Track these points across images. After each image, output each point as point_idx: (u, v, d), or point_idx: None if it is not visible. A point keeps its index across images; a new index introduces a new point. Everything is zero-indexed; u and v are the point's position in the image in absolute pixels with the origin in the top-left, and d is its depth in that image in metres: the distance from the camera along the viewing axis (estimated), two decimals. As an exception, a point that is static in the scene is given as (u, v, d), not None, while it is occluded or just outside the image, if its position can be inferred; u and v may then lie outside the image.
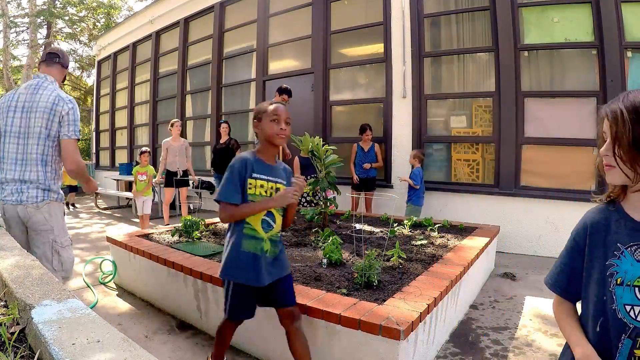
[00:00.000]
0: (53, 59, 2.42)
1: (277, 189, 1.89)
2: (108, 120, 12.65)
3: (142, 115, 11.00)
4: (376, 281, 2.46)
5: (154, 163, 8.55)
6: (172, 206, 8.13)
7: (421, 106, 5.66)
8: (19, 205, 2.20)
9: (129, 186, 9.21)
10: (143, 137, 10.93)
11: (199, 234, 3.87)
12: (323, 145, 4.09)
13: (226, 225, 4.51)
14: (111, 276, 3.81)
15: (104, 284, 3.75)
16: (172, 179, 6.40)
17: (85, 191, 4.94)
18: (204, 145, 9.01)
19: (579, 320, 1.07)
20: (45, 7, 17.24)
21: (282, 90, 5.79)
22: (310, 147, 4.03)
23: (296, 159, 5.71)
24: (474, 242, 3.56)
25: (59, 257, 2.29)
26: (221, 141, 6.70)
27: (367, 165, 5.62)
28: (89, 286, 3.61)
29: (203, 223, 4.13)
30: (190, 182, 6.78)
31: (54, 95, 2.26)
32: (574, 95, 4.75)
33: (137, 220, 7.40)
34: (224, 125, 6.68)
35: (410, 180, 5.13)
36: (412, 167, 5.29)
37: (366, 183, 5.66)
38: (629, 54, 4.44)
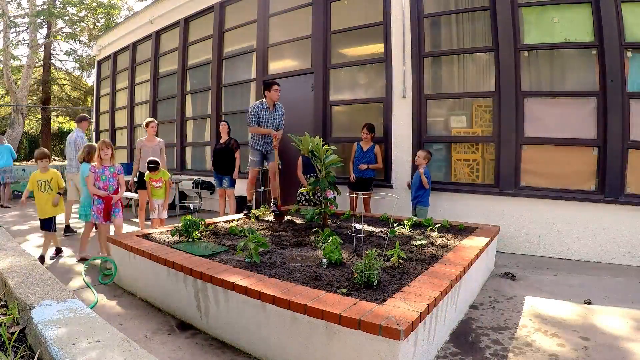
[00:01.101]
0: (78, 121, 6.27)
1: None
2: (108, 120, 12.66)
3: (142, 115, 10.99)
4: (376, 281, 2.46)
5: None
6: (172, 206, 8.12)
7: (421, 106, 5.66)
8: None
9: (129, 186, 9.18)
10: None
11: (199, 234, 3.87)
12: (323, 145, 4.09)
13: (226, 225, 4.52)
14: (111, 276, 3.80)
15: (104, 283, 3.75)
16: (144, 181, 5.71)
17: None
18: (204, 145, 9.02)
19: None
20: (45, 7, 17.23)
21: (268, 85, 5.40)
22: (310, 147, 4.03)
23: (300, 158, 5.73)
24: (474, 242, 3.56)
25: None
26: (221, 141, 6.70)
27: (362, 166, 5.62)
28: (89, 286, 3.60)
29: (203, 223, 4.13)
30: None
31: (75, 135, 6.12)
32: (574, 95, 4.75)
33: (137, 220, 7.38)
34: (222, 124, 6.68)
35: (425, 179, 5.07)
36: (418, 166, 5.22)
37: (362, 183, 5.65)
38: (629, 54, 4.44)
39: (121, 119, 12.04)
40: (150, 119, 6.39)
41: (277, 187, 5.43)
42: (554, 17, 4.83)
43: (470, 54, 5.40)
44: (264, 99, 5.42)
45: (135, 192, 6.24)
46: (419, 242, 3.57)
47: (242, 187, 7.07)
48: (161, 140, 6.31)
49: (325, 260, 2.94)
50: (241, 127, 7.91)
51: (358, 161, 5.69)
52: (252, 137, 5.55)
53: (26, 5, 17.66)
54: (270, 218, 4.96)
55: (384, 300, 2.20)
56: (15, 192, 10.09)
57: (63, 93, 22.17)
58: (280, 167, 5.72)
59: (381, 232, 4.07)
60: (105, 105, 13.08)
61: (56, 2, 18.22)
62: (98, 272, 3.91)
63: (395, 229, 4.12)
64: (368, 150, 5.68)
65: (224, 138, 6.66)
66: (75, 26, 18.85)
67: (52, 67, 20.64)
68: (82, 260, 4.45)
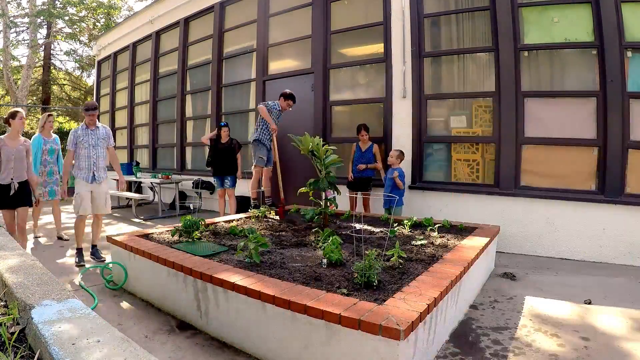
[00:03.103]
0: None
1: None
2: (108, 120, 12.64)
3: (142, 115, 10.99)
4: (376, 281, 2.46)
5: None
6: (172, 206, 8.12)
7: (421, 106, 5.66)
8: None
9: (129, 186, 9.19)
10: (143, 137, 10.93)
11: (199, 234, 3.86)
12: (323, 145, 4.09)
13: (226, 225, 4.53)
14: (114, 281, 3.75)
15: (113, 289, 3.61)
16: (6, 197, 4.17)
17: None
18: (204, 145, 9.01)
19: None
20: (45, 7, 17.24)
21: (287, 96, 6.17)
22: (310, 147, 4.03)
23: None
24: (474, 242, 3.56)
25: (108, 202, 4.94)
26: (222, 141, 6.73)
27: (361, 167, 5.63)
28: (86, 289, 3.55)
29: (203, 223, 4.12)
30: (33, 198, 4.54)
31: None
32: (574, 95, 4.75)
33: (137, 220, 7.38)
34: (224, 129, 6.73)
35: (399, 181, 5.12)
36: (391, 166, 5.25)
37: (361, 183, 5.66)
38: (629, 54, 4.44)
39: (121, 119, 12.04)
40: (17, 109, 4.42)
41: (269, 187, 6.28)
42: (554, 17, 4.83)
43: (470, 54, 5.40)
44: (278, 102, 6.20)
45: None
46: (419, 242, 3.57)
47: (240, 188, 7.08)
48: (27, 140, 4.47)
49: (325, 260, 2.94)
50: (241, 127, 7.92)
51: (357, 162, 5.70)
52: (260, 131, 6.10)
53: (26, 5, 17.67)
54: (271, 217, 4.96)
55: (384, 300, 2.20)
56: None
57: (63, 93, 22.17)
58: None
59: (381, 232, 4.07)
60: (105, 105, 13.06)
61: (56, 2, 18.23)
62: (102, 278, 3.84)
63: (395, 229, 4.12)
64: (367, 151, 5.69)
65: (224, 139, 6.70)
66: (75, 26, 18.85)
67: (52, 67, 20.65)
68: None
